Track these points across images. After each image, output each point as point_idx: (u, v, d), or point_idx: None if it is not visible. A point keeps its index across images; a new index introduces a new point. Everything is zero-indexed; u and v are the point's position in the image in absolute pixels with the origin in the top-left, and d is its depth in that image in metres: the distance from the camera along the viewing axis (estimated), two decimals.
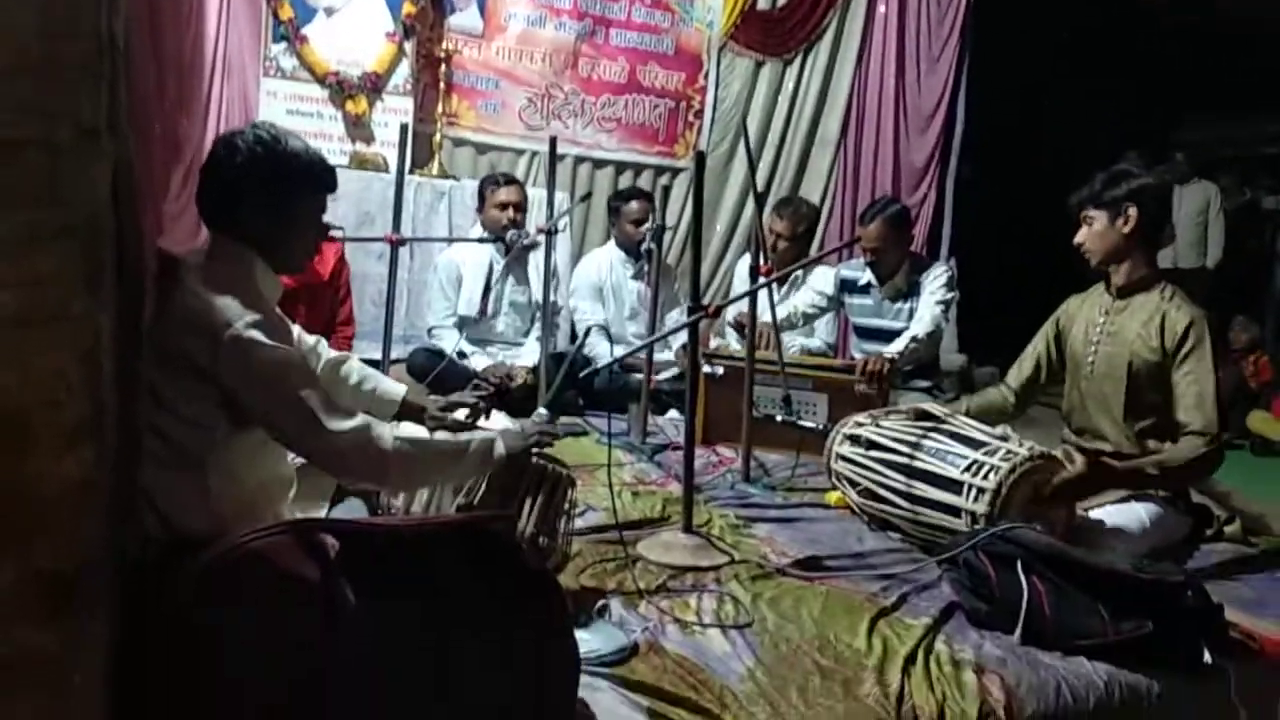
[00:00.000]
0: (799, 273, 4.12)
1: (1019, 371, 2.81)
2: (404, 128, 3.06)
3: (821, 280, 4.04)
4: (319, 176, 1.75)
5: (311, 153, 1.74)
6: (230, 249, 1.68)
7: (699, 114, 5.62)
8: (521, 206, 3.87)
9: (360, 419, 1.65)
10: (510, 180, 3.96)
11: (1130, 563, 1.93)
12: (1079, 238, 2.58)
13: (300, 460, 2.04)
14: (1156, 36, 7.73)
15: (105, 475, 1.06)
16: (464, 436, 1.85)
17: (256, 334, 1.56)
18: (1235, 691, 1.78)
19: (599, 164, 5.46)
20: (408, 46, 4.78)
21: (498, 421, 2.24)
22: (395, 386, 2.26)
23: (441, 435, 1.98)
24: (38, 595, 1.00)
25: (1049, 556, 1.92)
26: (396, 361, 3.77)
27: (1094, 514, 2.35)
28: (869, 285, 3.85)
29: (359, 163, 4.56)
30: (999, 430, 2.45)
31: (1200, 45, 7.62)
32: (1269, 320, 7.78)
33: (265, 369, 1.56)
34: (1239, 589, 2.26)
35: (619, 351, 2.69)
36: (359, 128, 4.71)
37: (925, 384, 3.81)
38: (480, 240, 3.81)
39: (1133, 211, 2.47)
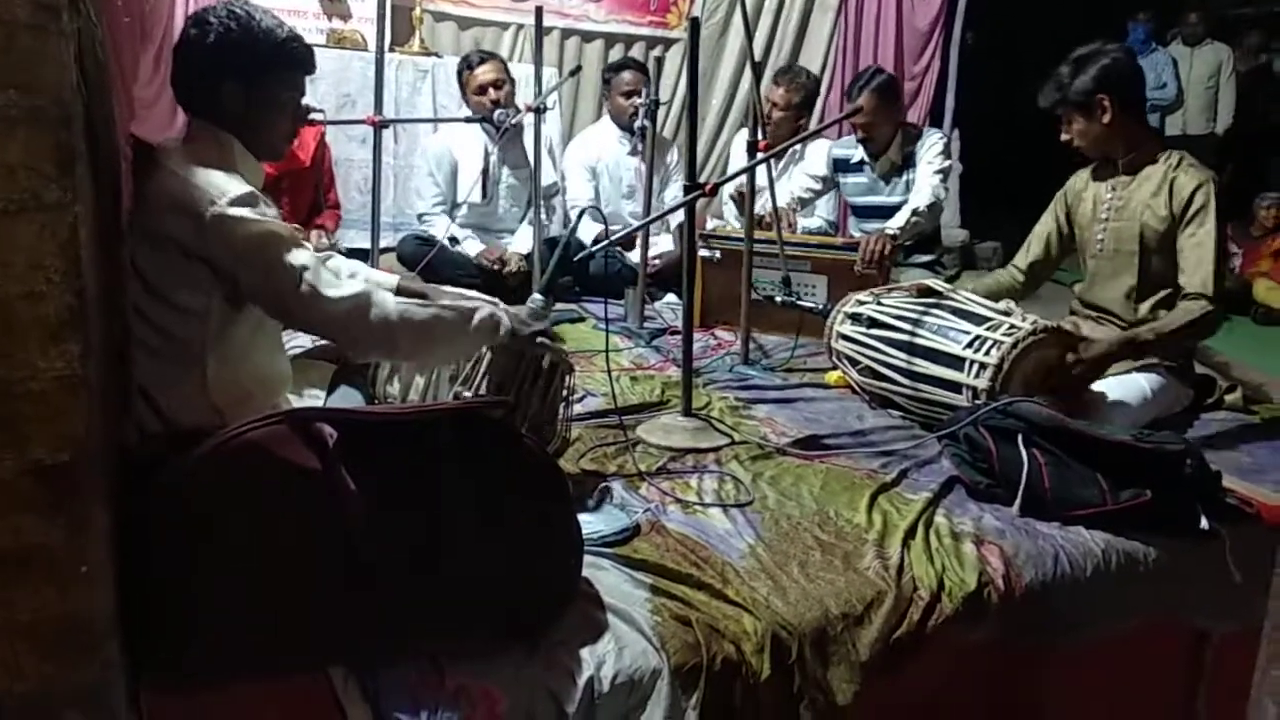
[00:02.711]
0: (797, 147, 4.02)
1: (1026, 253, 2.76)
2: (381, 1, 2.92)
3: (815, 162, 3.95)
4: (295, 55, 1.68)
5: (287, 29, 1.67)
6: (208, 133, 1.63)
7: None
8: (501, 83, 3.70)
9: (360, 285, 1.60)
10: (485, 58, 3.78)
11: (1130, 433, 1.93)
12: (1065, 136, 2.51)
13: (296, 348, 2.02)
14: None
15: (94, 365, 1.04)
16: (468, 304, 1.80)
17: (241, 209, 1.52)
18: (1230, 555, 1.81)
19: (587, 36, 5.25)
20: None
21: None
22: (386, 277, 2.22)
23: (447, 300, 1.94)
24: (37, 487, 1.00)
25: (1049, 429, 1.92)
26: (386, 250, 3.71)
27: (1096, 386, 2.35)
28: (862, 163, 3.74)
29: (336, 40, 4.39)
30: (1002, 305, 2.42)
31: None
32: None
33: (253, 240, 1.52)
34: (1238, 456, 2.27)
35: (614, 233, 2.63)
36: (335, 3, 4.50)
37: (927, 259, 3.76)
38: (466, 120, 3.68)
39: (1107, 100, 2.40)
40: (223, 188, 1.52)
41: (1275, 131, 7.73)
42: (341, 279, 1.61)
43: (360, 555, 1.33)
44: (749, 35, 2.91)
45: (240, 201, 1.52)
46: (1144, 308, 2.48)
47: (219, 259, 1.52)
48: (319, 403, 2.17)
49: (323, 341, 2.29)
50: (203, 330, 1.57)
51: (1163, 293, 2.45)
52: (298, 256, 1.55)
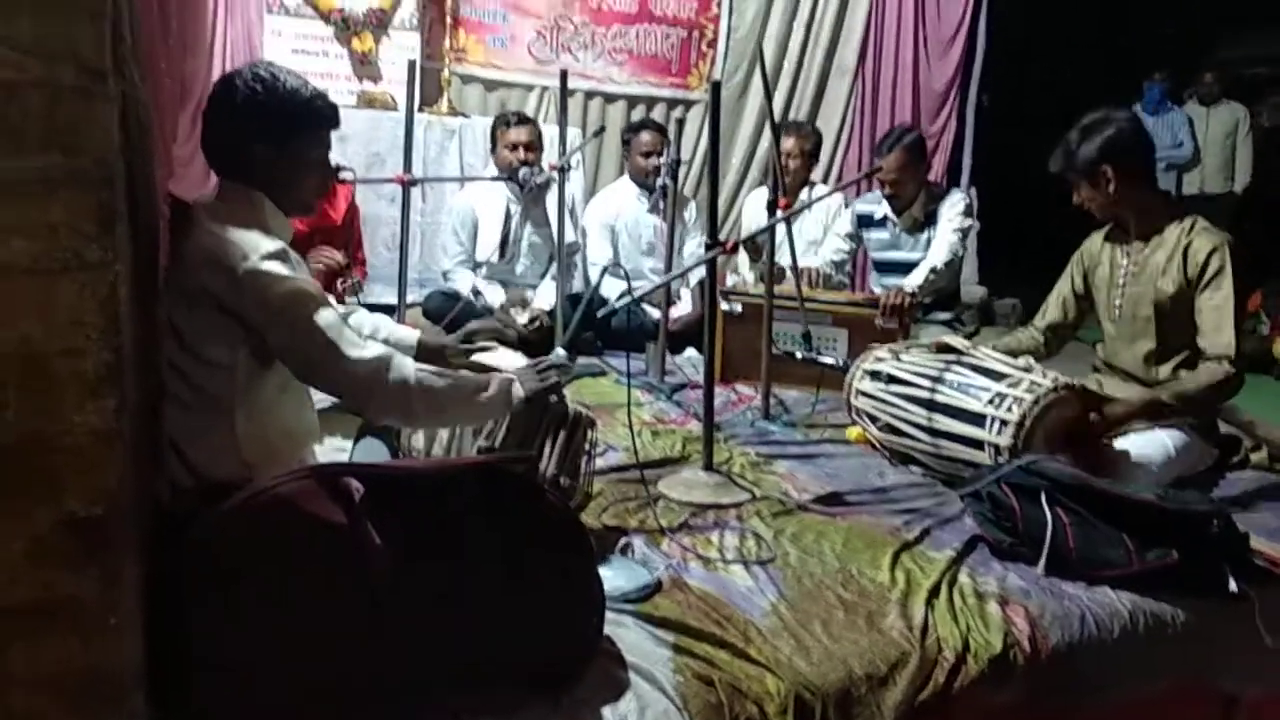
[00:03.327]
0: (803, 195, 4.12)
1: (1044, 316, 2.78)
2: (412, 64, 3.00)
3: (840, 222, 4.03)
4: (320, 112, 1.72)
5: (311, 88, 1.71)
6: (239, 193, 1.67)
7: (712, 43, 5.49)
8: (534, 145, 3.80)
9: (382, 349, 1.64)
10: (521, 120, 3.90)
11: (1155, 492, 1.92)
12: (1076, 200, 2.53)
13: (324, 403, 2.05)
14: None
15: (129, 421, 1.06)
16: (484, 376, 1.84)
17: (274, 264, 1.55)
18: (1260, 617, 1.78)
19: (610, 98, 5.35)
20: None
21: (515, 360, 2.23)
22: (409, 332, 2.26)
23: (464, 373, 1.97)
24: (70, 540, 1.02)
25: (1073, 488, 1.91)
26: (412, 305, 3.76)
27: (1119, 444, 2.34)
28: (885, 218, 3.79)
29: (367, 102, 4.49)
30: (1022, 361, 2.42)
31: None
32: None
33: (284, 297, 1.55)
34: (1265, 517, 2.24)
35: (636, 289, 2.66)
36: (366, 66, 4.63)
37: (946, 316, 3.77)
38: (493, 179, 3.76)
39: (1110, 171, 2.42)
40: (256, 244, 1.56)
41: None
42: (364, 341, 1.64)
43: (384, 609, 1.34)
44: (769, 97, 2.96)
45: (272, 257, 1.56)
46: (1163, 370, 2.47)
47: (250, 314, 1.55)
48: (345, 453, 2.20)
49: None
50: (231, 385, 1.60)
51: (1181, 356, 2.44)
52: (324, 316, 1.58)
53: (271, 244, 1.58)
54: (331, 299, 2.06)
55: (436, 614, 1.38)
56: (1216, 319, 2.33)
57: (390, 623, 1.34)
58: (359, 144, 4.24)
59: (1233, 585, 1.80)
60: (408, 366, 1.65)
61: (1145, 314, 2.47)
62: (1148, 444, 2.33)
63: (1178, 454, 2.35)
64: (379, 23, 4.61)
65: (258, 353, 1.61)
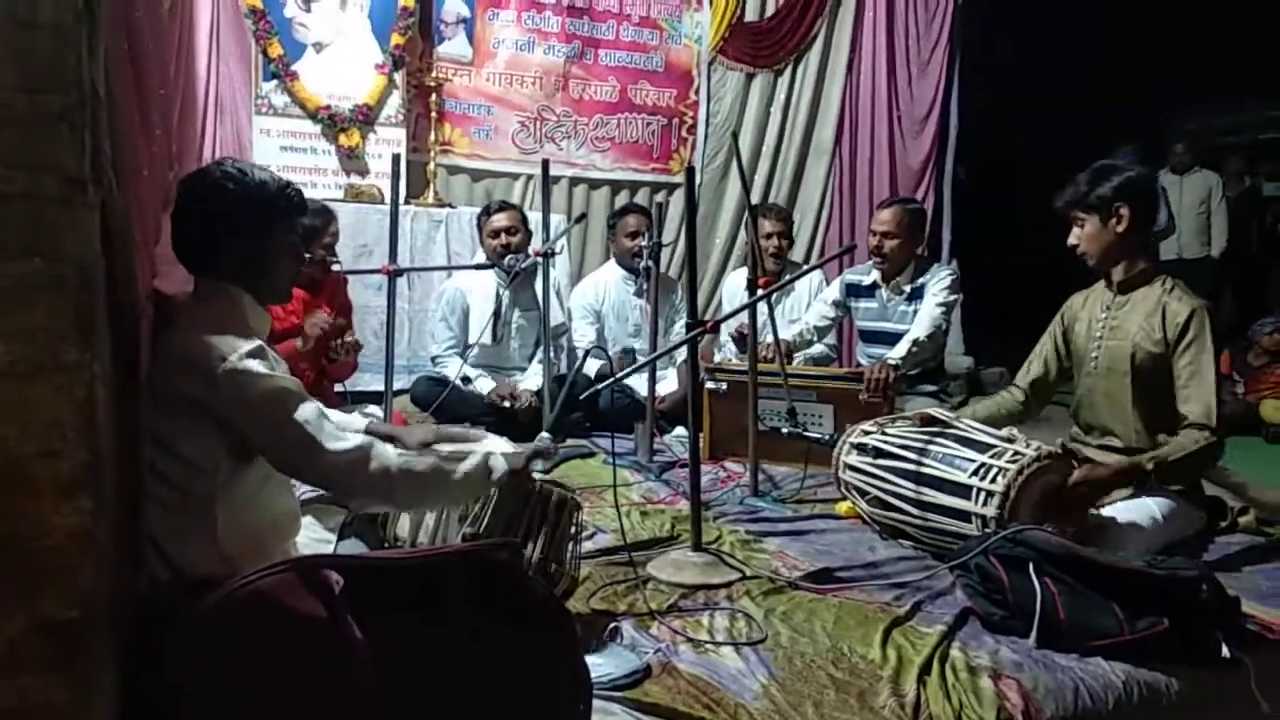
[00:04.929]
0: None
1: (1027, 372, 2.80)
2: (396, 158, 3.08)
3: (829, 290, 4.08)
4: (290, 199, 1.75)
5: (278, 179, 1.74)
6: (215, 289, 1.69)
7: (692, 129, 5.64)
8: (516, 229, 3.87)
9: (361, 439, 1.65)
10: (502, 206, 3.98)
11: (1143, 559, 1.92)
12: (1072, 240, 2.56)
13: (305, 495, 2.04)
14: (1155, 23, 7.72)
15: (107, 523, 1.06)
16: (464, 447, 1.85)
17: (252, 363, 1.57)
18: (1255, 683, 1.76)
19: (594, 184, 5.48)
20: (398, 77, 4.82)
21: (502, 446, 2.24)
22: (353, 419, 2.26)
23: (444, 448, 1.97)
24: (45, 645, 1.01)
25: (1061, 557, 1.91)
26: (400, 392, 3.78)
27: (1105, 511, 2.34)
28: (875, 285, 3.84)
29: (354, 195, 4.58)
30: (1005, 432, 2.44)
31: (1201, 32, 7.60)
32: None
33: (262, 398, 1.56)
34: (1255, 580, 2.24)
35: (620, 368, 2.69)
36: (353, 160, 4.74)
37: (931, 388, 3.79)
38: (478, 267, 3.81)
39: (1125, 210, 2.46)
40: (234, 345, 1.57)
41: (1269, 254, 7.87)
42: (343, 433, 1.65)
43: (369, 703, 1.32)
44: (744, 180, 3.04)
45: (251, 356, 1.57)
46: (1138, 425, 2.49)
47: (229, 415, 1.56)
48: (330, 545, 2.18)
49: None
50: (211, 485, 1.60)
51: (1156, 412, 2.46)
52: (304, 411, 1.59)
53: (248, 344, 1.59)
54: (312, 397, 2.09)
55: (421, 706, 1.36)
56: (1197, 385, 2.35)
57: (374, 716, 1.32)
58: (346, 236, 4.29)
59: (1225, 651, 1.79)
60: (389, 453, 1.66)
61: (1122, 369, 2.49)
62: (1133, 511, 2.33)
63: (1164, 520, 2.35)
64: (365, 119, 4.73)
65: (237, 450, 1.61)
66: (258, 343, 1.62)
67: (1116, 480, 2.28)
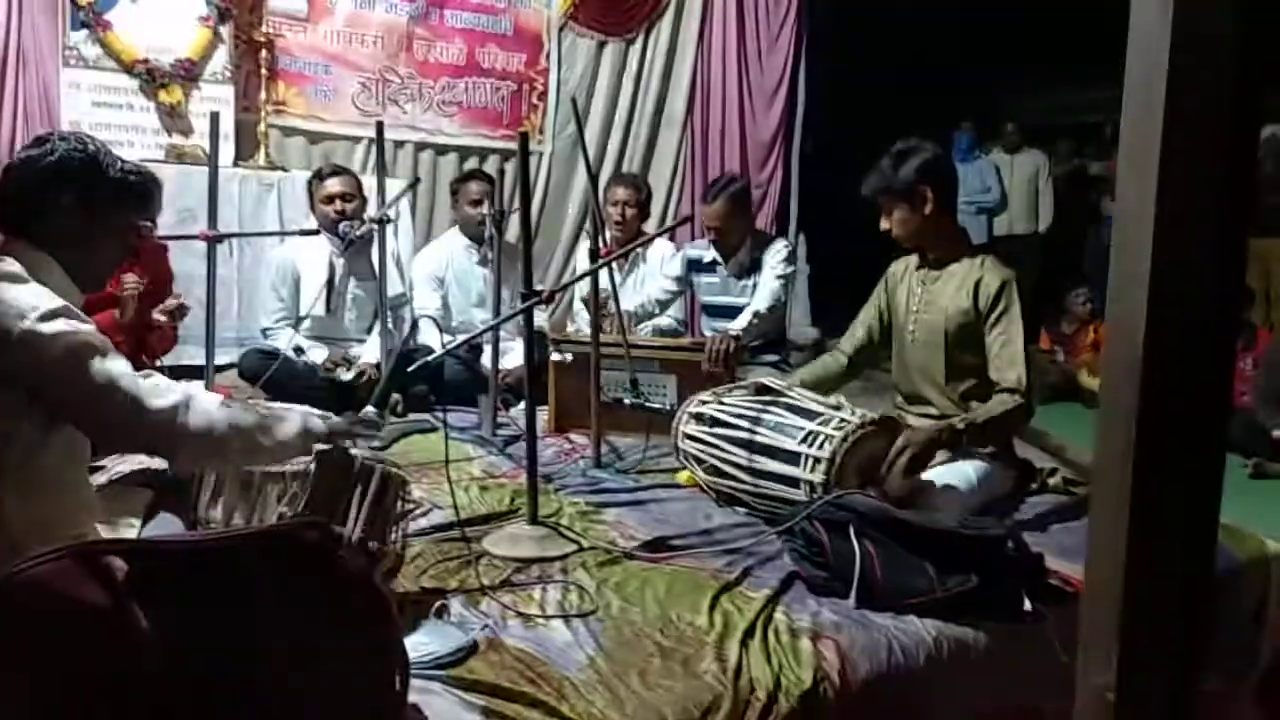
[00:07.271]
0: (639, 250, 4.15)
1: (852, 336, 2.89)
2: (214, 115, 2.89)
3: (671, 265, 4.09)
4: (145, 192, 1.70)
5: (141, 169, 1.68)
6: (27, 255, 1.56)
7: (543, 96, 5.56)
8: (351, 197, 3.71)
9: (180, 394, 1.59)
10: (335, 171, 3.80)
11: (955, 520, 2.00)
12: (884, 225, 2.64)
13: (103, 478, 1.92)
14: (997, 4, 8.04)
15: None
16: (284, 406, 1.80)
17: (53, 323, 1.46)
18: (1055, 635, 1.87)
19: (441, 150, 5.32)
20: (224, 31, 4.53)
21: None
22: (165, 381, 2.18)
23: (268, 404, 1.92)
24: None
25: (878, 519, 1.97)
26: (227, 367, 3.58)
27: (925, 474, 2.43)
28: (715, 262, 3.89)
29: (176, 156, 4.30)
30: (833, 400, 2.50)
31: (1036, 14, 7.95)
32: (1095, 279, 8.26)
33: (69, 353, 1.46)
34: (1059, 536, 2.37)
35: (458, 340, 2.63)
36: (175, 119, 4.45)
37: (773, 358, 3.88)
38: (304, 233, 3.64)
39: (928, 192, 2.55)
40: (33, 302, 1.46)
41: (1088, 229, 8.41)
42: (162, 388, 1.57)
43: (162, 699, 1.23)
44: (584, 149, 3.01)
45: (52, 315, 1.46)
46: (953, 395, 2.60)
47: (30, 378, 1.44)
48: (134, 532, 2.04)
49: (136, 465, 2.18)
50: (4, 457, 1.47)
51: (970, 381, 2.58)
52: (115, 366, 1.50)
53: (50, 301, 1.48)
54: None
55: (221, 700, 1.28)
56: (1009, 354, 2.47)
57: (169, 712, 1.23)
58: (168, 200, 3.98)
59: (1027, 605, 1.89)
60: (211, 406, 1.59)
61: (936, 340, 2.60)
62: (951, 474, 2.44)
63: (980, 482, 2.47)
64: (188, 74, 4.44)
65: (38, 422, 1.49)
66: (61, 301, 1.50)
67: (933, 445, 2.38)
